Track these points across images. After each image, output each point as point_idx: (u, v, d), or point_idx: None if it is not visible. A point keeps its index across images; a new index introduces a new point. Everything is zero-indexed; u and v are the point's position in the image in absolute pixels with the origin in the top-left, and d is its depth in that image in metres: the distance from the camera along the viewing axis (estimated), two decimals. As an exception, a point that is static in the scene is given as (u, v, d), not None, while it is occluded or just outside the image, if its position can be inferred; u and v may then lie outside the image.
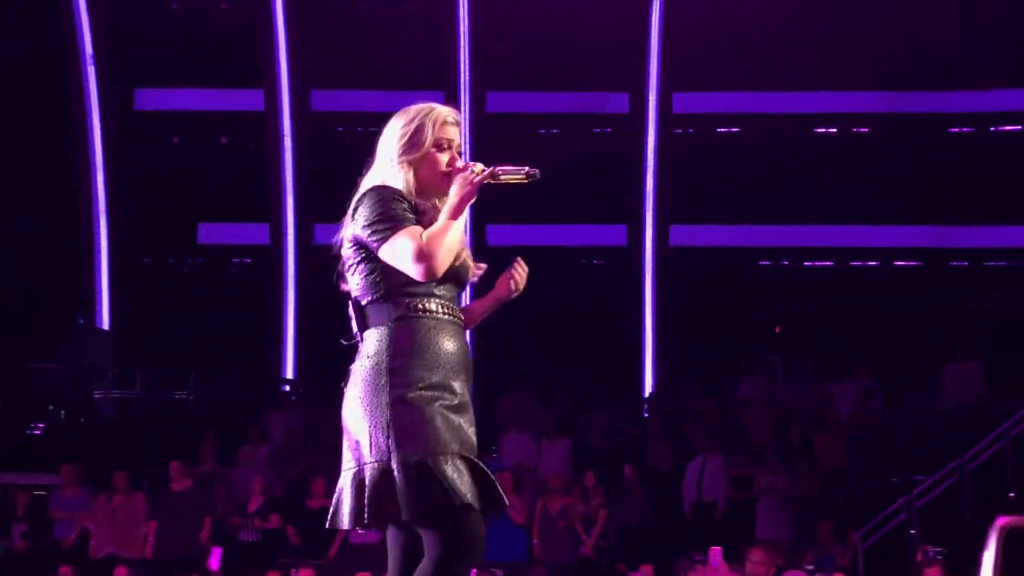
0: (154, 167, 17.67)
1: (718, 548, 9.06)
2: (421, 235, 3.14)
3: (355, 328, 3.28)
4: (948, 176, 17.11)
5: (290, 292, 17.14)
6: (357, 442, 3.16)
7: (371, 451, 3.12)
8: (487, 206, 17.20)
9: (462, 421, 3.18)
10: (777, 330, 17.80)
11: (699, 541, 10.45)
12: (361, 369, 3.19)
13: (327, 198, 18.35)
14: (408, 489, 3.05)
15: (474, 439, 3.20)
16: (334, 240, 3.36)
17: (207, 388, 15.67)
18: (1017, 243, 17.42)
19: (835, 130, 17.84)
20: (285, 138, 17.23)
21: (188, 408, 15.68)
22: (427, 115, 3.31)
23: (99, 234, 17.33)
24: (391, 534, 3.24)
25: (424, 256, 3.12)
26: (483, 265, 3.41)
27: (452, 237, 3.18)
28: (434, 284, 3.21)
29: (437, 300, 3.23)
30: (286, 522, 11.67)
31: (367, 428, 3.13)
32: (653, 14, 16.97)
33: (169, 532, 11.47)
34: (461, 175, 3.25)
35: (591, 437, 13.49)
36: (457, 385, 3.19)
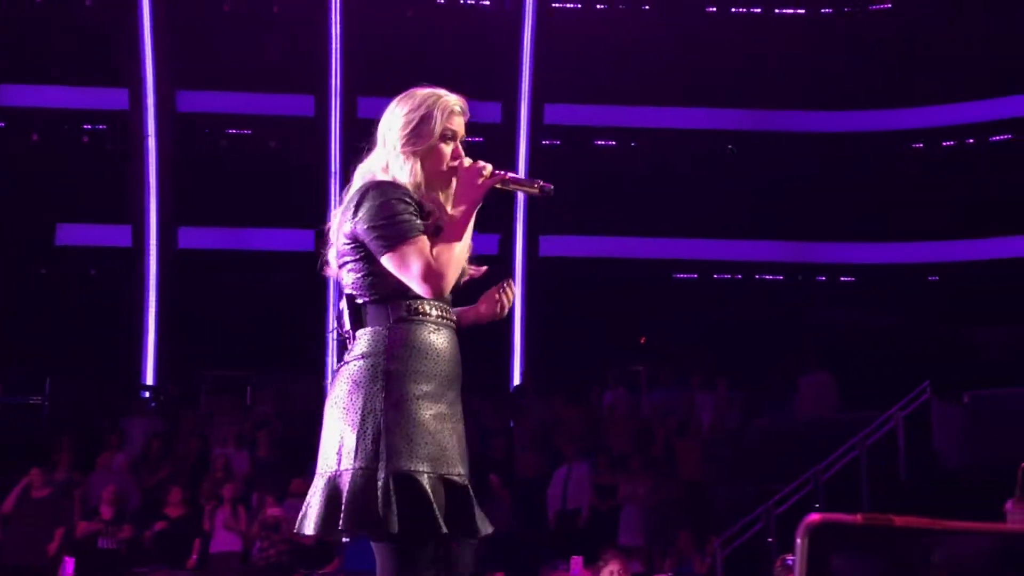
0: (11, 165, 17.11)
1: (579, 557, 9.13)
2: (430, 249, 2.99)
3: (347, 325, 3.10)
4: (809, 193, 17.62)
5: (151, 296, 16.74)
6: (340, 444, 2.98)
7: (355, 456, 2.94)
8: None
9: (454, 433, 3.04)
10: (642, 340, 18.07)
11: (563, 549, 10.53)
12: (354, 369, 3.02)
13: (191, 201, 18.13)
14: (393, 501, 2.89)
15: (465, 452, 3.07)
16: (325, 227, 3.20)
17: (63, 393, 15.21)
18: (872, 260, 18.03)
19: (703, 145, 18.20)
20: (149, 138, 16.85)
21: (43, 413, 15.19)
22: (435, 103, 3.18)
23: (-49, 233, 16.73)
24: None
25: (433, 275, 2.99)
26: (482, 268, 3.29)
27: (462, 252, 3.07)
28: None
29: (435, 303, 3.09)
30: (143, 530, 11.40)
31: (353, 431, 2.95)
32: (526, 25, 17.10)
33: (26, 540, 11.12)
34: (467, 175, 3.12)
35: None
36: (452, 395, 3.06)
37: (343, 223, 3.11)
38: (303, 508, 3.06)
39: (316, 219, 18.05)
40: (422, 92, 3.21)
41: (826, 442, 12.35)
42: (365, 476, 2.92)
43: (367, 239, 3.03)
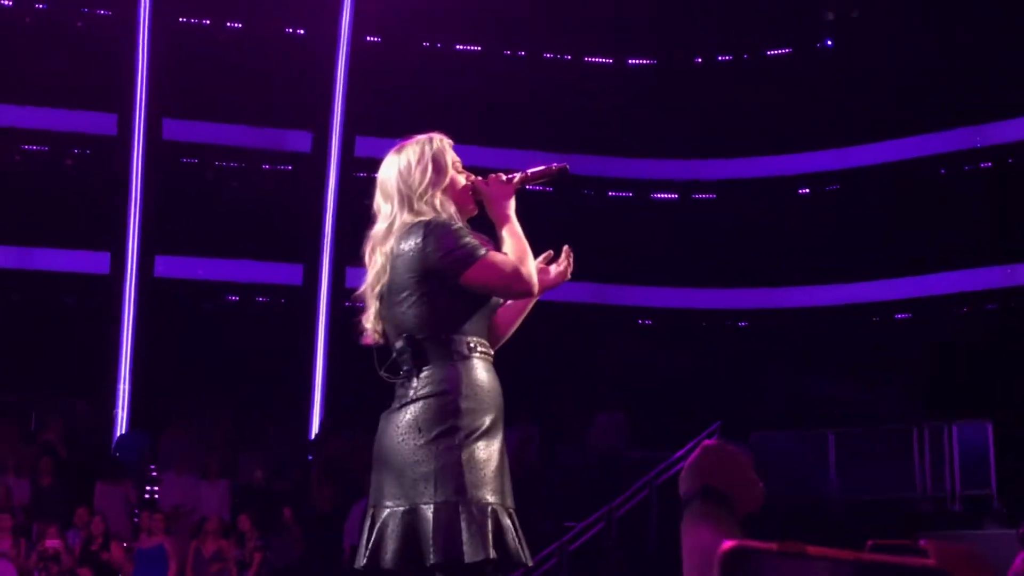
0: None
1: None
2: (510, 259, 3.17)
3: (408, 363, 3.15)
4: (609, 236, 18.07)
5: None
6: (415, 480, 3.04)
7: (436, 491, 3.01)
8: (159, 238, 16.57)
9: (507, 470, 3.18)
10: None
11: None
12: (424, 407, 3.09)
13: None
14: (480, 533, 2.98)
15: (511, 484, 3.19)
16: (360, 293, 3.29)
17: None
18: (668, 303, 18.61)
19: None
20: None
21: None
22: (433, 144, 3.33)
23: None
24: None
25: (526, 276, 3.16)
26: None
27: (531, 254, 3.24)
28: (482, 324, 3.22)
29: (483, 341, 3.24)
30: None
31: (431, 468, 3.03)
32: (339, 56, 17.05)
33: None
34: (490, 190, 3.28)
35: (252, 479, 13.24)
36: (503, 430, 3.21)
37: (401, 263, 3.18)
38: (367, 542, 3.09)
39: (110, 241, 17.41)
40: (413, 142, 3.37)
41: (620, 480, 12.68)
42: (448, 510, 3.01)
43: (444, 265, 3.13)
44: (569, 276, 3.55)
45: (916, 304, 17.57)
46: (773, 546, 1.38)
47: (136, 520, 12.26)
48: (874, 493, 12.49)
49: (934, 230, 17.14)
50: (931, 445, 12.36)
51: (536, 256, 3.36)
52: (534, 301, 3.46)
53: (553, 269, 3.53)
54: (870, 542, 1.64)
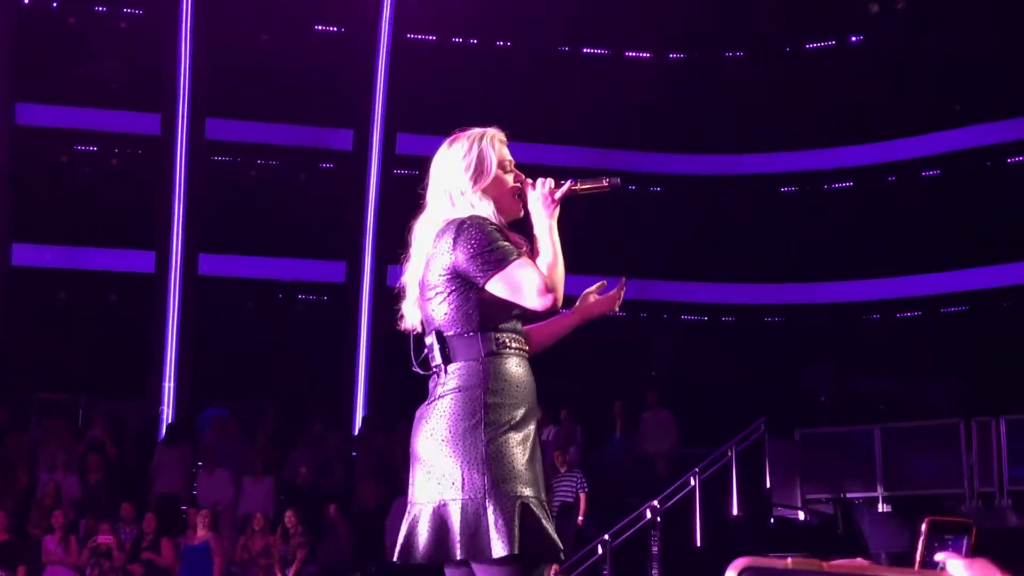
0: None
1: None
2: (538, 268, 3.13)
3: (437, 359, 3.17)
4: (652, 231, 18.01)
5: (-19, 314, 16.07)
6: (443, 476, 3.07)
7: (463, 487, 3.03)
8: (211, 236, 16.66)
9: (539, 461, 3.17)
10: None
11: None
12: (450, 403, 3.10)
13: (25, 216, 17.32)
14: (508, 526, 2.98)
15: (544, 478, 3.20)
16: (399, 281, 3.29)
17: None
18: (713, 299, 18.52)
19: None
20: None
21: None
22: (484, 139, 3.30)
23: None
24: (451, 572, 3.16)
25: (550, 288, 3.11)
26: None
27: (562, 266, 3.19)
28: (516, 321, 3.20)
29: (518, 337, 3.22)
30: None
31: (458, 463, 3.05)
32: (380, 54, 17.11)
33: None
34: (540, 196, 3.24)
35: (298, 476, 13.33)
36: (535, 424, 3.20)
37: (434, 258, 3.19)
38: (402, 537, 3.15)
39: (155, 240, 17.51)
40: (466, 134, 3.33)
41: (664, 475, 12.63)
42: (476, 505, 3.02)
43: (470, 267, 3.12)
44: (616, 309, 3.52)
45: (963, 298, 17.37)
46: (787, 562, 1.36)
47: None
48: (921, 488, 12.37)
49: (982, 223, 16.94)
50: (979, 439, 12.21)
51: (572, 268, 3.32)
52: (571, 328, 3.47)
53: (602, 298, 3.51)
54: (927, 519, 1.61)
